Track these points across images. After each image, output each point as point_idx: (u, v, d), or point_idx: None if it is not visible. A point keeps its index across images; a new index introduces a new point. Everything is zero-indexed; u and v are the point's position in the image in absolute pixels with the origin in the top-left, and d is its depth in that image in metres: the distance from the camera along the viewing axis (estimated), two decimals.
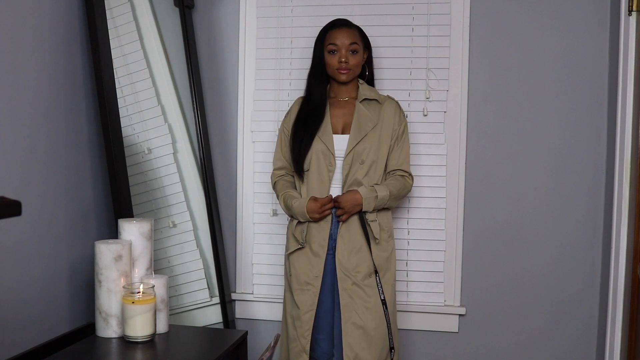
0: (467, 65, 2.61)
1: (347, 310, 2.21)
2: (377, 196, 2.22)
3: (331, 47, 2.28)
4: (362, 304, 2.21)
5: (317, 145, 2.27)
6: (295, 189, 2.36)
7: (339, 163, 2.28)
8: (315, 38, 2.39)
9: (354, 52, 2.28)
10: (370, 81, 2.42)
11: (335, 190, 2.28)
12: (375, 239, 2.24)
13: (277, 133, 2.65)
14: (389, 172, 2.33)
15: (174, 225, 2.49)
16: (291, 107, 2.44)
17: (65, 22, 1.95)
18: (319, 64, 2.33)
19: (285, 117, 2.45)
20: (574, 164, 2.57)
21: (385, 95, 2.40)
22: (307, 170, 2.29)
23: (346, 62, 2.26)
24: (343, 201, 2.21)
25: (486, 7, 2.60)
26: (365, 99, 2.32)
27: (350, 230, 2.25)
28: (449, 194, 2.64)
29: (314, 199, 2.23)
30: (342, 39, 2.27)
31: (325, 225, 2.26)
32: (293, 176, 2.38)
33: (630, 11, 2.29)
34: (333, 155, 2.27)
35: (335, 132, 2.30)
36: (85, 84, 2.06)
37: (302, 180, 2.31)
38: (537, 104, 2.59)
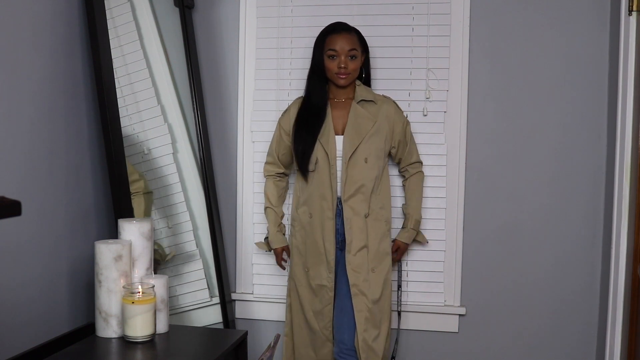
0: (467, 65, 2.61)
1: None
2: (415, 230, 2.49)
3: (331, 52, 2.32)
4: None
5: (320, 147, 2.33)
6: (283, 193, 2.56)
7: (339, 163, 2.33)
8: (315, 38, 2.42)
9: (352, 57, 2.33)
10: (367, 82, 2.49)
11: (339, 188, 2.35)
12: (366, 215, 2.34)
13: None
14: (406, 166, 2.46)
15: (173, 226, 2.49)
16: (290, 106, 2.50)
17: (65, 22, 1.95)
18: (318, 66, 2.38)
19: (283, 115, 2.50)
20: (574, 164, 2.57)
21: (381, 95, 2.47)
22: (313, 170, 2.34)
23: (345, 68, 2.31)
24: (401, 252, 2.51)
25: (486, 7, 2.60)
26: (362, 100, 2.37)
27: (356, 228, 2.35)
28: (449, 194, 2.63)
29: (280, 250, 2.49)
30: (341, 45, 2.30)
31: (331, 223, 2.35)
32: (282, 177, 2.54)
33: (630, 11, 2.29)
34: (335, 156, 2.32)
35: (336, 134, 2.35)
36: (85, 84, 2.06)
37: (307, 181, 2.37)
38: (537, 104, 2.58)
